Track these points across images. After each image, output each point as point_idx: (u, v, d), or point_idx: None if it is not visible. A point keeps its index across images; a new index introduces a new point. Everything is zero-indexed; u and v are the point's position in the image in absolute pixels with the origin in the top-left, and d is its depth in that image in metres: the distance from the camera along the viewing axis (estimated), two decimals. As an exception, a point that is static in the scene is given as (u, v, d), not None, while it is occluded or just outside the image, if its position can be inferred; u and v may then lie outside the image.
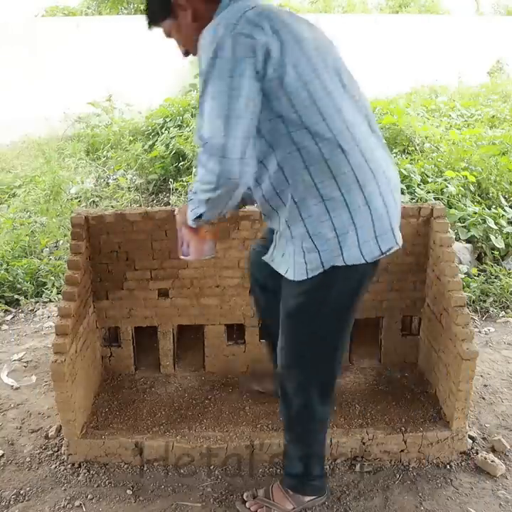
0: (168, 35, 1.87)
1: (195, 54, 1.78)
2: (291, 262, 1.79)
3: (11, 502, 2.27)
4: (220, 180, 1.58)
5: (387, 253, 1.78)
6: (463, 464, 2.46)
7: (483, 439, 2.61)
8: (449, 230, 2.65)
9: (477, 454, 2.48)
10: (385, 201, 1.75)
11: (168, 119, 7.07)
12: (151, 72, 9.23)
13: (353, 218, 1.70)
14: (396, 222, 1.81)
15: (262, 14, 1.61)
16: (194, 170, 5.88)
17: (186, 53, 1.90)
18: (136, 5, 13.25)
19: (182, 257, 2.09)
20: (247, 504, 2.19)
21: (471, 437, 2.57)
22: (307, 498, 2.18)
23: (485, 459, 2.42)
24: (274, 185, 1.74)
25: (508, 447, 2.54)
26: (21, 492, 2.31)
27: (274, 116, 1.64)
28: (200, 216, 1.76)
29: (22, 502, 2.27)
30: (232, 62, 1.53)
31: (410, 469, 2.43)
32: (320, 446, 2.15)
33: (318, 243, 1.72)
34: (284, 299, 1.92)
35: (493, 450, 2.54)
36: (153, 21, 1.86)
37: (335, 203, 1.69)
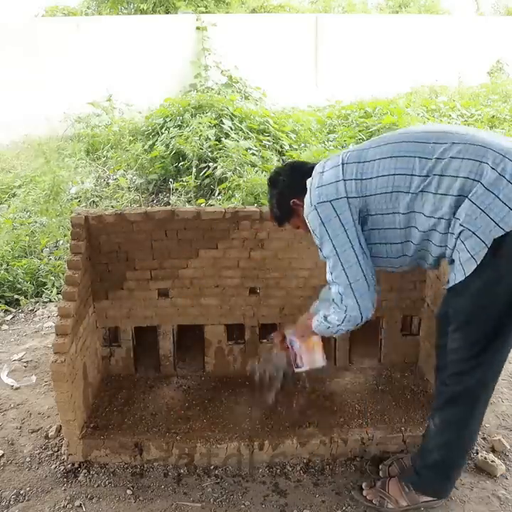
0: (297, 228, 2.21)
1: None
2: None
3: (11, 502, 2.27)
4: (354, 323, 2.03)
5: None
6: (463, 464, 2.46)
7: (483, 439, 2.61)
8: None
9: (477, 454, 2.48)
10: None
11: (168, 119, 7.07)
12: (151, 72, 9.23)
13: None
14: None
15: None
16: (194, 170, 5.89)
17: None
18: (135, 5, 13.24)
19: (297, 369, 2.34)
20: (364, 492, 2.25)
21: (471, 437, 2.57)
22: (424, 499, 2.19)
23: (485, 459, 2.42)
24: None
25: (508, 447, 2.54)
26: (21, 492, 2.32)
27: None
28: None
29: (22, 502, 2.27)
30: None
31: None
32: (463, 452, 2.15)
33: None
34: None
35: (493, 450, 2.54)
36: (281, 223, 2.23)
37: None
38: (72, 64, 8.98)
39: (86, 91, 8.49)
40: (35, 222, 4.96)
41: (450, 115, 7.81)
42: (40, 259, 4.36)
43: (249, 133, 6.60)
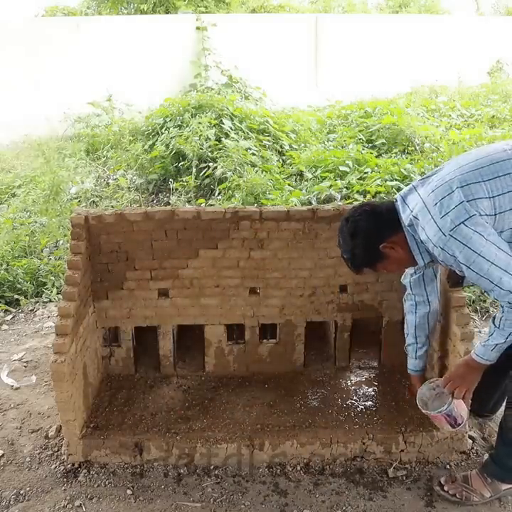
0: (383, 270, 2.18)
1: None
2: None
3: (11, 502, 2.28)
4: None
5: None
6: (463, 463, 2.47)
7: (483, 439, 2.62)
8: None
9: (477, 454, 2.48)
10: None
11: (168, 119, 7.06)
12: (151, 72, 9.22)
13: None
14: None
15: None
16: (194, 170, 5.89)
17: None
18: (135, 5, 13.23)
19: (459, 429, 2.23)
20: (446, 487, 2.28)
21: (471, 437, 2.58)
22: (505, 486, 2.25)
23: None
24: None
25: None
26: (21, 492, 2.32)
27: None
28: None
29: (22, 502, 2.28)
30: None
31: (410, 469, 2.44)
32: None
33: None
34: None
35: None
36: (361, 266, 2.15)
37: None
38: (72, 64, 8.97)
39: (86, 91, 8.49)
40: (35, 222, 4.96)
41: (450, 115, 7.82)
42: (40, 259, 4.36)
43: (249, 133, 6.60)
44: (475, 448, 2.53)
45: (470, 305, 3.85)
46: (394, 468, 2.43)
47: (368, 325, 2.89)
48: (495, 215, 1.90)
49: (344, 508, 2.24)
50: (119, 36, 9.47)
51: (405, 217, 2.04)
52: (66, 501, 2.27)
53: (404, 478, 2.40)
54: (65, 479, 2.38)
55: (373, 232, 2.06)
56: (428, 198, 1.98)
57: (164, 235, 2.68)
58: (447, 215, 1.89)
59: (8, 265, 4.16)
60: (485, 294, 3.93)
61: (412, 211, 2.02)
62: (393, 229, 2.06)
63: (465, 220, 1.86)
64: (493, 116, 7.72)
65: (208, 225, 2.66)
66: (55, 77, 8.80)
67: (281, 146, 6.54)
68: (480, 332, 3.59)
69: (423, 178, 2.12)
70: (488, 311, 3.83)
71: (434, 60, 10.85)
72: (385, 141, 6.44)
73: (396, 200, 2.11)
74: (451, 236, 1.88)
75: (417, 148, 6.20)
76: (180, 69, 9.57)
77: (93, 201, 5.72)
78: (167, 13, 12.62)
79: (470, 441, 2.55)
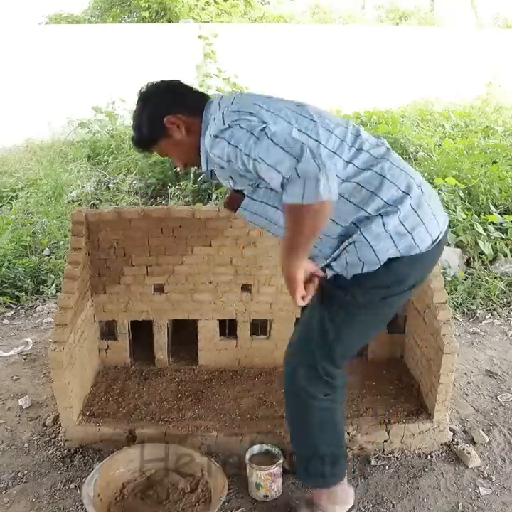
0: (164, 154, 2.00)
1: (195, 165, 1.95)
2: None
3: (10, 484, 2.38)
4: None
5: None
6: (443, 454, 2.57)
7: (464, 432, 2.72)
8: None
9: (457, 445, 2.59)
10: None
11: (168, 126, 7.19)
12: (154, 80, 9.36)
13: None
14: None
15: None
16: (192, 175, 6.01)
17: (185, 166, 2.03)
18: (138, 14, 13.44)
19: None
20: None
21: (452, 430, 2.68)
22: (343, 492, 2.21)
23: (463, 449, 2.53)
24: None
25: (487, 440, 2.65)
26: (19, 475, 2.42)
27: None
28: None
29: (20, 484, 2.38)
30: None
31: (392, 459, 2.54)
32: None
33: None
34: None
35: (473, 442, 2.64)
36: (145, 145, 1.98)
37: None
38: (75, 71, 9.13)
39: (88, 97, 8.63)
40: (37, 221, 5.08)
41: (444, 126, 7.95)
42: (40, 258, 4.47)
43: (248, 140, 6.71)
44: (455, 440, 2.64)
45: (457, 307, 3.96)
46: (376, 457, 2.53)
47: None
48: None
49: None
50: (122, 44, 9.64)
51: (206, 118, 1.87)
52: (62, 484, 2.37)
53: (386, 467, 2.50)
54: (61, 464, 2.48)
55: (164, 103, 1.89)
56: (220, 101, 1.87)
57: (160, 232, 2.79)
58: (235, 112, 1.75)
59: (9, 263, 4.27)
60: (472, 297, 4.05)
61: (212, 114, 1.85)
62: (187, 109, 1.89)
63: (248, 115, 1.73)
64: (487, 127, 7.85)
65: (202, 223, 2.78)
66: (58, 84, 8.95)
67: (278, 153, 6.65)
68: (466, 332, 3.71)
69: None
70: (475, 314, 3.94)
71: (433, 72, 11.01)
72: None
73: (212, 100, 1.91)
74: (229, 127, 1.71)
75: (411, 156, 6.34)
76: (181, 77, 9.68)
77: (93, 204, 5.84)
78: (169, 22, 12.82)
79: (451, 433, 2.66)
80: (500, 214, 4.72)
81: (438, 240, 1.87)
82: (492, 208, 4.81)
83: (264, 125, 1.69)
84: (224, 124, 1.73)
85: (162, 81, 1.98)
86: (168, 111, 1.87)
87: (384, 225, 1.76)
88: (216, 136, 1.74)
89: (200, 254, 2.82)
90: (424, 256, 1.84)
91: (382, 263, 1.80)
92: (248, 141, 1.68)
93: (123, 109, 8.70)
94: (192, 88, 2.00)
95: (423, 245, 1.83)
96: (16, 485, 2.37)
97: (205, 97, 1.98)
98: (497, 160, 5.65)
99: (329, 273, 1.87)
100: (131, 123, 1.99)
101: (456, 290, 4.03)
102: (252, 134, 1.68)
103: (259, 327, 2.98)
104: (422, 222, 1.81)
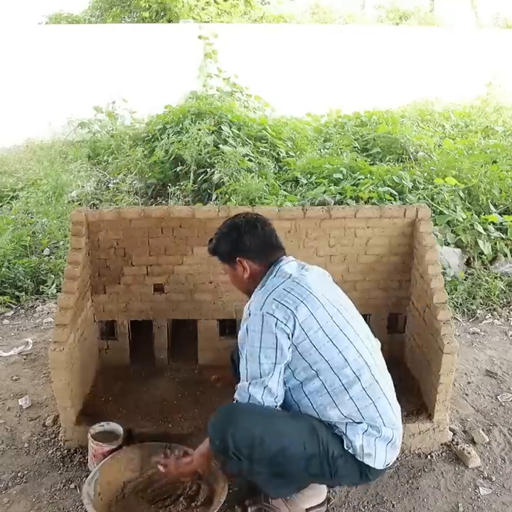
0: (225, 271, 2.29)
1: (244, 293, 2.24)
2: None
3: (10, 484, 2.38)
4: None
5: None
6: (443, 454, 2.58)
7: (464, 432, 2.73)
8: (433, 231, 2.77)
9: (457, 445, 2.59)
10: None
11: (168, 126, 7.20)
12: (153, 80, 9.36)
13: None
14: None
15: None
16: (192, 175, 6.02)
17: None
18: (138, 14, 13.44)
19: None
20: (249, 509, 2.25)
21: (452, 430, 2.69)
22: (307, 505, 2.24)
23: (463, 449, 2.53)
24: None
25: (487, 440, 2.66)
26: (19, 475, 2.43)
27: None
28: None
29: (20, 484, 2.38)
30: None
31: (392, 459, 2.54)
32: None
33: None
34: None
35: (473, 442, 2.64)
36: (215, 254, 2.25)
37: None
38: (75, 71, 9.12)
39: (89, 97, 8.63)
40: (37, 221, 5.08)
41: (444, 126, 7.96)
42: (40, 258, 4.47)
43: (247, 140, 6.73)
44: (455, 440, 2.64)
45: (457, 307, 3.96)
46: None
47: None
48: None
49: (327, 494, 2.34)
50: (122, 44, 9.62)
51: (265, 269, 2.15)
52: (62, 484, 2.38)
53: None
54: (61, 464, 2.48)
55: (244, 243, 2.14)
56: (289, 266, 2.13)
57: (160, 232, 2.79)
58: (276, 301, 1.99)
59: (9, 263, 4.27)
60: (472, 297, 4.05)
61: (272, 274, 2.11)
62: (258, 257, 2.15)
63: (278, 322, 1.95)
64: (487, 127, 7.86)
65: (202, 223, 2.78)
66: (59, 84, 8.94)
67: (278, 153, 6.66)
68: (466, 332, 3.71)
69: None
70: (475, 313, 3.94)
71: (433, 72, 11.00)
72: (379, 149, 6.59)
73: (281, 260, 2.16)
74: (262, 316, 1.97)
75: (411, 156, 6.34)
76: (181, 77, 9.72)
77: (93, 204, 5.84)
78: (169, 22, 12.80)
79: (451, 433, 2.66)
80: (500, 214, 4.73)
81: None
82: (492, 207, 4.82)
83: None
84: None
85: (255, 220, 2.21)
86: (243, 253, 2.15)
87: None
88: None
89: (200, 254, 2.81)
90: None
91: None
92: None
93: (123, 109, 8.73)
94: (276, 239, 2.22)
95: None
96: (16, 485, 2.38)
97: (278, 249, 2.21)
98: (497, 160, 5.65)
99: None
100: (218, 230, 2.25)
101: (456, 290, 4.03)
102: None
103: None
104: None
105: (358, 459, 2.00)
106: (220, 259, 2.24)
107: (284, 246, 2.23)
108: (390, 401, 2.10)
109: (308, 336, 1.97)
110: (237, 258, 2.15)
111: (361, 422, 2.01)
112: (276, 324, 1.95)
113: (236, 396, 2.05)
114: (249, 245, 2.14)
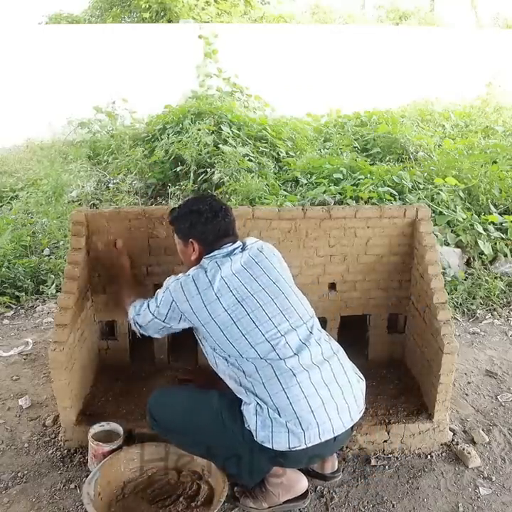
0: (176, 242, 2.40)
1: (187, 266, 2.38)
2: None
3: (10, 484, 2.38)
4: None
5: None
6: (443, 454, 2.58)
7: (464, 432, 2.73)
8: (433, 231, 2.77)
9: (457, 445, 2.59)
10: None
11: (168, 126, 7.20)
12: (153, 80, 9.37)
13: None
14: None
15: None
16: (192, 175, 6.02)
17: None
18: (138, 14, 13.44)
19: None
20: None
21: (452, 430, 2.69)
22: (283, 498, 2.28)
23: (463, 449, 2.53)
24: None
25: (487, 440, 2.66)
26: (19, 475, 2.43)
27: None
28: None
29: (20, 484, 2.38)
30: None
31: (392, 459, 2.54)
32: None
33: None
34: None
35: (473, 442, 2.65)
36: (172, 225, 2.39)
37: None
38: (75, 71, 9.13)
39: (89, 97, 8.64)
40: (37, 221, 5.09)
41: (444, 126, 7.96)
42: (40, 258, 4.47)
43: (247, 140, 6.74)
44: (455, 440, 2.64)
45: (457, 307, 3.96)
46: (376, 457, 2.54)
47: (355, 322, 2.99)
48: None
49: (328, 493, 2.34)
50: (122, 44, 9.64)
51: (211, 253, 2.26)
52: (62, 484, 2.38)
53: (386, 467, 2.50)
54: (61, 464, 2.48)
55: (200, 227, 2.27)
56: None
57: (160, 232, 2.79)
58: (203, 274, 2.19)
59: (9, 263, 4.27)
60: (472, 297, 4.05)
61: (215, 255, 2.25)
62: (209, 244, 2.27)
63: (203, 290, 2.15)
64: (487, 127, 7.86)
65: (202, 223, 2.77)
66: (59, 84, 8.95)
67: (278, 153, 6.67)
68: (466, 332, 3.71)
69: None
70: (475, 313, 3.94)
71: (433, 72, 11.00)
72: (379, 149, 6.59)
73: (234, 242, 2.29)
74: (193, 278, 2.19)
75: (411, 156, 6.34)
76: (181, 76, 9.72)
77: (93, 204, 5.84)
78: (169, 22, 12.81)
79: (451, 433, 2.66)
80: (500, 214, 4.73)
81: None
82: (492, 208, 4.82)
83: None
84: None
85: (222, 208, 2.34)
86: (195, 235, 2.29)
87: None
88: None
89: (200, 254, 2.81)
90: None
91: None
92: None
93: (123, 109, 8.73)
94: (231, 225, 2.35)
95: None
96: (16, 485, 2.38)
97: (231, 234, 2.33)
98: (497, 160, 5.66)
99: None
100: (185, 202, 2.42)
101: (456, 290, 4.04)
102: None
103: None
104: None
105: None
106: (175, 232, 2.38)
107: (237, 234, 2.36)
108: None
109: (203, 324, 2.17)
110: (191, 240, 2.29)
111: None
112: (171, 303, 2.21)
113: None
114: (206, 233, 2.27)
